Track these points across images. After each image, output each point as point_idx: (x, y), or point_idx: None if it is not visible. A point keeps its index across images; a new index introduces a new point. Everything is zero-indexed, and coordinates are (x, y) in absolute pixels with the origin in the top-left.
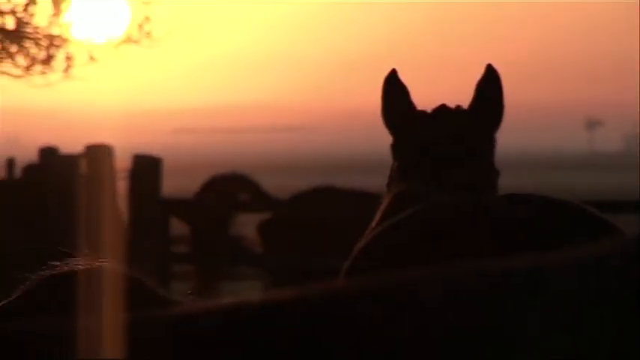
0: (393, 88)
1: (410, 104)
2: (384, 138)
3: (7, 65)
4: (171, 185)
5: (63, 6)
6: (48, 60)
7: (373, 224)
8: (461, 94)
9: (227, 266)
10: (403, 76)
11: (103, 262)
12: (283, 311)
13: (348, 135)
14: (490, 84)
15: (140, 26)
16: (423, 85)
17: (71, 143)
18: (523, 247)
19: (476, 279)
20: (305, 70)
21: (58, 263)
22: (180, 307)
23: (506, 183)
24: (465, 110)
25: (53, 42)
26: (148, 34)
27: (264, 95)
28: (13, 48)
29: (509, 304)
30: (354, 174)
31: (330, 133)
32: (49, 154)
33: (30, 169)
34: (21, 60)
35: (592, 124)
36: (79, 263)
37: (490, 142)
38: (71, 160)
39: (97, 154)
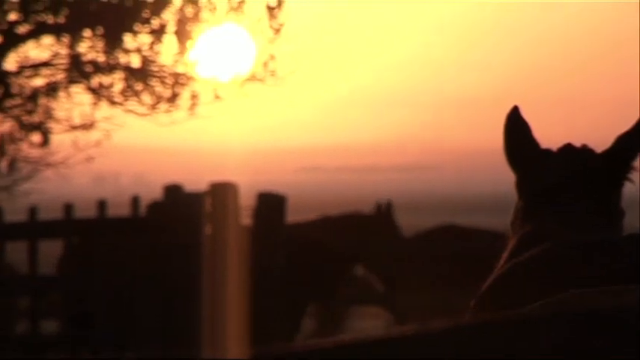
0: (515, 125)
1: (533, 142)
2: (508, 176)
3: (133, 103)
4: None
5: (188, 44)
6: (173, 98)
7: (500, 263)
8: (586, 132)
9: (352, 305)
10: (526, 114)
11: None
12: (405, 348)
13: (472, 173)
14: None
15: (265, 64)
16: (549, 124)
17: (196, 181)
18: None
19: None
20: (430, 109)
21: None
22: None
23: (633, 223)
24: (591, 150)
25: (178, 80)
26: (273, 73)
27: (389, 134)
28: (139, 86)
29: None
30: (478, 213)
31: (455, 172)
32: (173, 191)
33: (154, 206)
34: (147, 98)
35: None
36: None
37: (617, 184)
38: (196, 198)
39: (222, 192)
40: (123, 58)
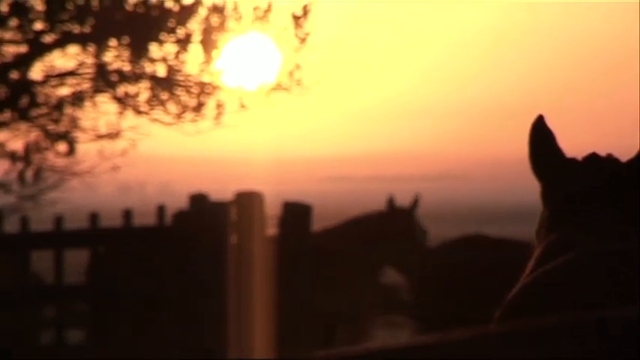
0: (540, 134)
1: (558, 151)
2: (533, 185)
3: (158, 113)
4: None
5: (214, 53)
6: (199, 107)
7: (526, 273)
8: (612, 143)
9: (378, 314)
10: (552, 123)
11: None
12: (426, 355)
13: (498, 183)
14: None
15: (291, 74)
16: (574, 134)
17: (221, 190)
18: None
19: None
20: (455, 119)
21: None
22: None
23: None
24: (616, 160)
25: (204, 89)
26: (299, 82)
27: (415, 143)
28: (165, 95)
29: None
30: (504, 222)
31: (480, 181)
32: (199, 200)
33: (180, 215)
34: (172, 107)
35: None
36: None
37: None
38: (221, 207)
39: (248, 201)
40: (148, 68)
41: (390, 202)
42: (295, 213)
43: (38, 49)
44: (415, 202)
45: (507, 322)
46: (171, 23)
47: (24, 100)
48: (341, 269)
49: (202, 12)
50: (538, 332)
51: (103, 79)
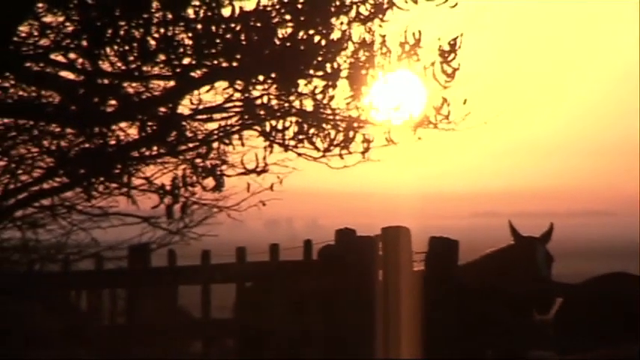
0: None
1: None
2: None
3: (305, 147)
4: None
5: (361, 88)
6: (346, 142)
7: None
8: None
9: (525, 349)
10: None
11: None
12: None
13: None
14: None
15: (438, 109)
16: None
17: (368, 225)
18: None
19: None
20: (603, 156)
21: None
22: None
23: None
24: None
25: (351, 124)
26: (446, 117)
27: (563, 180)
28: (312, 130)
29: None
30: None
31: (627, 218)
32: (346, 235)
33: (326, 250)
34: (319, 142)
35: None
36: None
37: None
38: (368, 242)
39: (395, 236)
40: (296, 102)
41: (515, 234)
42: (442, 248)
43: (186, 84)
44: (548, 233)
45: None
46: (319, 58)
47: (172, 135)
48: (485, 304)
49: (350, 47)
50: None
51: (251, 114)
